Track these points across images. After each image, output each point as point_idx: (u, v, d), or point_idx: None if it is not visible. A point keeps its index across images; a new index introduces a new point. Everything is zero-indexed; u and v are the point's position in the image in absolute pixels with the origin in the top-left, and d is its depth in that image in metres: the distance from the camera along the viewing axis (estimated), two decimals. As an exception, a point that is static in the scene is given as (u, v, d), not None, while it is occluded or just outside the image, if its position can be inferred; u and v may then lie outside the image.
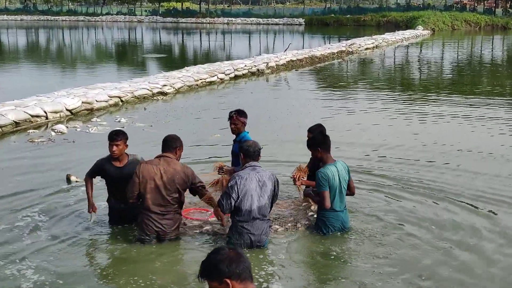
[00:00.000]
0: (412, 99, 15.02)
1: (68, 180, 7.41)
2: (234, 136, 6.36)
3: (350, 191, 5.80)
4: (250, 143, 5.43)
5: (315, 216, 5.88)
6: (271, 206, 5.49)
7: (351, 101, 14.42)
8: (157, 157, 5.42)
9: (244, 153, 5.35)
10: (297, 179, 6.18)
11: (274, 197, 5.36)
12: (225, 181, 6.19)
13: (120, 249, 5.40)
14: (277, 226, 5.81)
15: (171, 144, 5.42)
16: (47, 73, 22.39)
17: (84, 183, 5.97)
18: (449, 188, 7.22)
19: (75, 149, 9.38)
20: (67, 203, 6.57)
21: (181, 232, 5.59)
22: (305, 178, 6.31)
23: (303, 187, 6.37)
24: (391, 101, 14.46)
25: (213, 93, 16.27)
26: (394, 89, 17.54)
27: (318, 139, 5.68)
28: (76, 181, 7.34)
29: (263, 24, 68.77)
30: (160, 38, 46.98)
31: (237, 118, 6.23)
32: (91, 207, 5.85)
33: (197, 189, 5.50)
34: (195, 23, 70.43)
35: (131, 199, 5.38)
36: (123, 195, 5.59)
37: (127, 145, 5.76)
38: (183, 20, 73.78)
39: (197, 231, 5.74)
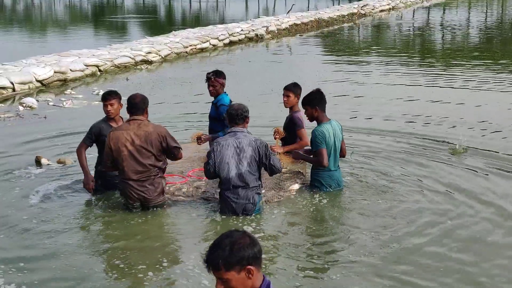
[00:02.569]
0: (436, 70, 14.91)
1: (38, 163, 7.31)
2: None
3: (342, 153, 6.33)
4: (236, 106, 5.68)
5: (303, 181, 6.37)
6: (266, 172, 5.71)
7: (363, 72, 14.31)
8: (126, 121, 5.69)
9: (228, 117, 5.65)
10: (278, 152, 6.40)
11: (260, 163, 5.54)
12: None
13: (105, 220, 5.67)
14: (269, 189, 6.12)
15: (140, 106, 5.64)
16: (14, 38, 22.17)
17: (77, 156, 6.06)
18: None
19: (46, 126, 9.28)
20: (37, 189, 6.46)
21: (167, 199, 5.88)
22: (281, 143, 6.64)
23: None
24: (410, 73, 14.35)
25: (205, 62, 16.15)
26: (412, 58, 17.42)
27: (316, 97, 6.12)
28: (48, 164, 7.26)
29: (263, -19, 68.07)
30: (143, -2, 46.53)
31: (216, 80, 6.69)
32: (91, 182, 5.95)
33: (171, 151, 5.65)
34: (184, -20, 69.72)
35: (106, 168, 5.78)
36: None
37: (122, 104, 6.05)
38: (170, -24, 73.04)
39: (186, 198, 6.05)
